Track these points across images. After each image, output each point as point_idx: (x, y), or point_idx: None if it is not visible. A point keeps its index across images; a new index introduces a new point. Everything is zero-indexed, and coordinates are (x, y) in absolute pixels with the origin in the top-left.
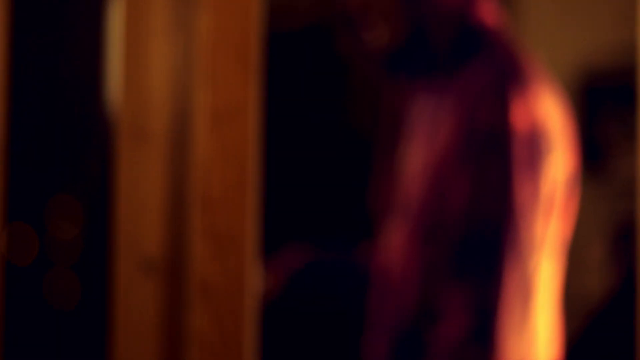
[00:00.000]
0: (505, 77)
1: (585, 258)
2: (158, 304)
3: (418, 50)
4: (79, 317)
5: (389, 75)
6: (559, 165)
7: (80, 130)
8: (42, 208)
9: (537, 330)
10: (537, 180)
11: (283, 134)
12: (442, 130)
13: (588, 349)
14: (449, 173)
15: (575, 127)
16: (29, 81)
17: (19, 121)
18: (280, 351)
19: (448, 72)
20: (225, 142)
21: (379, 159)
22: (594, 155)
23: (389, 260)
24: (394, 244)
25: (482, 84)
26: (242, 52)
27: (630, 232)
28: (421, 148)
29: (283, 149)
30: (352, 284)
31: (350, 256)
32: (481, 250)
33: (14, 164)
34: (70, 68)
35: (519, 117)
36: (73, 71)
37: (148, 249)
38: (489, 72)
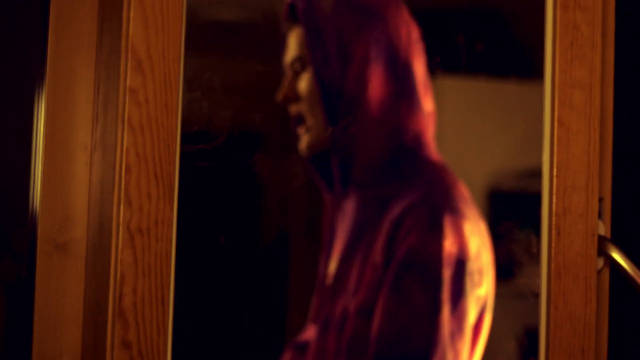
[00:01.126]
0: (435, 200)
1: None
2: None
3: (349, 160)
4: None
5: (321, 185)
6: (484, 292)
7: None
8: None
9: None
10: (464, 309)
11: (197, 250)
12: (371, 248)
13: None
14: (374, 292)
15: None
16: None
17: None
18: None
19: (378, 186)
20: (138, 256)
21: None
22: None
23: None
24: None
25: (412, 205)
26: (160, 171)
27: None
28: (349, 261)
29: (198, 265)
30: None
31: None
32: None
33: None
34: None
35: (448, 243)
36: None
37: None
38: (419, 194)
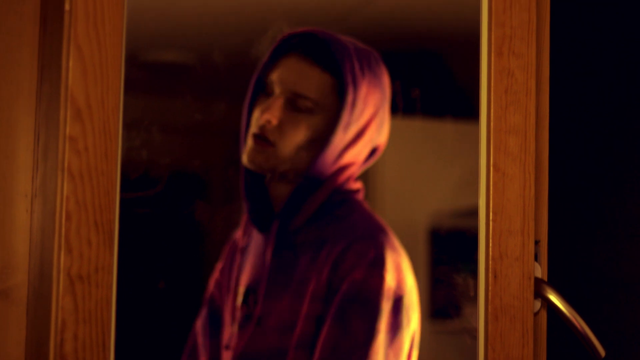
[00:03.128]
0: (376, 237)
1: None
2: None
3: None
4: None
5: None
6: (414, 328)
7: None
8: None
9: None
10: (401, 342)
11: (138, 296)
12: (306, 285)
13: None
14: (313, 325)
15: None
16: None
17: None
18: None
19: (312, 229)
20: (79, 302)
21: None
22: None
23: None
24: None
25: (353, 241)
26: (99, 218)
27: None
28: (273, 301)
29: (139, 310)
30: None
31: None
32: None
33: None
34: None
35: (389, 278)
36: None
37: None
38: (358, 231)
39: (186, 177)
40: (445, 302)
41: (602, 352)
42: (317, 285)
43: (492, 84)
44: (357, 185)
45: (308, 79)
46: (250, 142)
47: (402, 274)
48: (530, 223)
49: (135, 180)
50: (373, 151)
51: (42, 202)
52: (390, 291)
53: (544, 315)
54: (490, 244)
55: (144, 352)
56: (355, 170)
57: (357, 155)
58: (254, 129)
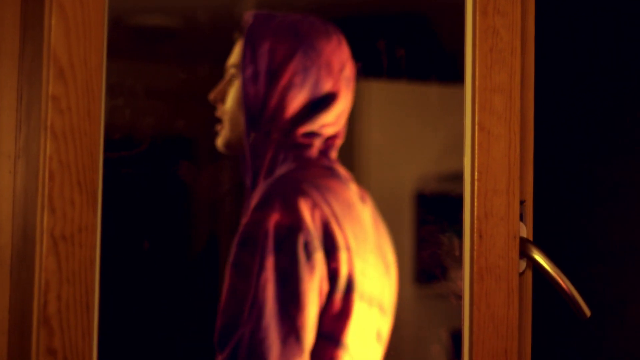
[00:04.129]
0: (273, 184)
1: None
2: None
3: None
4: None
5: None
6: (345, 271)
7: None
8: None
9: None
10: (297, 279)
11: (122, 256)
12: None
13: None
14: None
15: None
16: None
17: None
18: None
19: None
20: (62, 263)
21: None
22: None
23: None
24: None
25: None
26: (83, 178)
27: None
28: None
29: (123, 271)
30: None
31: None
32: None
33: None
34: None
35: (276, 217)
36: None
37: None
38: (271, 183)
39: (170, 137)
40: (431, 263)
41: (588, 312)
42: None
43: (477, 43)
44: (307, 140)
45: (234, 51)
46: (217, 129)
47: (298, 213)
48: (515, 182)
49: (118, 140)
50: (322, 100)
51: (25, 163)
52: (281, 229)
53: (529, 275)
54: (476, 204)
55: (128, 312)
56: (298, 120)
57: (282, 101)
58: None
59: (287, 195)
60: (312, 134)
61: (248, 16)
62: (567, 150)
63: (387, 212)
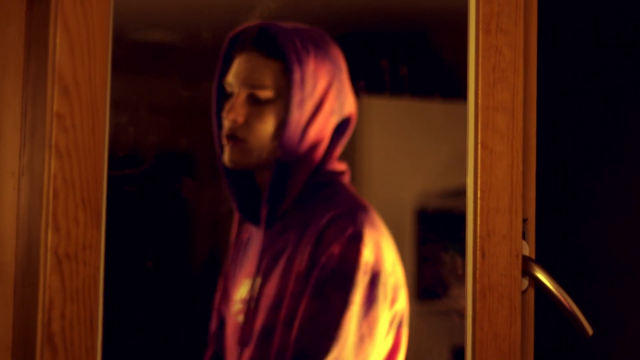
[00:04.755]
0: (356, 213)
1: None
2: None
3: (276, 190)
4: None
5: (234, 202)
6: (401, 307)
7: None
8: None
9: None
10: (375, 316)
11: (125, 274)
12: (292, 264)
13: None
14: (299, 301)
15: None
16: None
17: None
18: None
19: (299, 212)
20: (66, 281)
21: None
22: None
23: None
24: None
25: (334, 218)
26: (87, 196)
27: None
28: (266, 286)
29: (126, 288)
30: None
31: None
32: None
33: None
34: None
35: (366, 252)
36: None
37: None
38: (340, 209)
39: (173, 154)
40: (433, 281)
41: (590, 331)
42: (301, 263)
43: (480, 61)
44: (341, 166)
45: (260, 70)
46: (225, 143)
47: (380, 252)
48: (518, 201)
49: (122, 158)
50: (343, 124)
51: (29, 180)
52: (368, 266)
53: (531, 293)
54: (478, 222)
55: (132, 330)
56: (328, 147)
57: (322, 130)
58: (225, 131)
59: (372, 230)
60: (340, 159)
61: (285, 38)
62: (570, 168)
63: (390, 229)
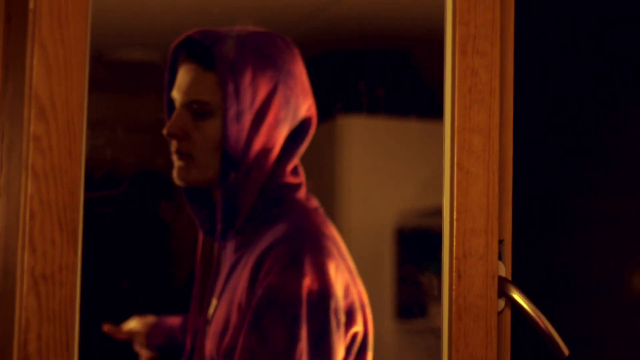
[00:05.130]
0: (296, 238)
1: None
2: None
3: (234, 205)
4: None
5: (196, 221)
6: (361, 329)
7: None
8: None
9: None
10: (329, 348)
11: (101, 295)
12: (237, 290)
13: None
14: (240, 330)
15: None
16: None
17: None
18: None
19: (251, 230)
20: (43, 302)
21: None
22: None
23: None
24: None
25: (273, 244)
26: (64, 217)
27: None
28: (220, 306)
29: (102, 310)
30: None
31: None
32: None
33: None
34: None
35: (308, 281)
36: None
37: None
38: (281, 233)
39: (150, 175)
40: (410, 301)
41: (566, 351)
42: (242, 290)
43: (456, 83)
44: (294, 179)
45: (198, 83)
46: (174, 159)
47: (327, 277)
48: (494, 222)
49: (99, 179)
50: (299, 129)
51: (5, 202)
52: (313, 295)
53: (508, 314)
54: (454, 243)
55: (108, 352)
56: (279, 159)
57: (268, 141)
58: (172, 146)
59: (315, 255)
60: (297, 171)
61: (218, 50)
62: (547, 188)
63: (367, 249)
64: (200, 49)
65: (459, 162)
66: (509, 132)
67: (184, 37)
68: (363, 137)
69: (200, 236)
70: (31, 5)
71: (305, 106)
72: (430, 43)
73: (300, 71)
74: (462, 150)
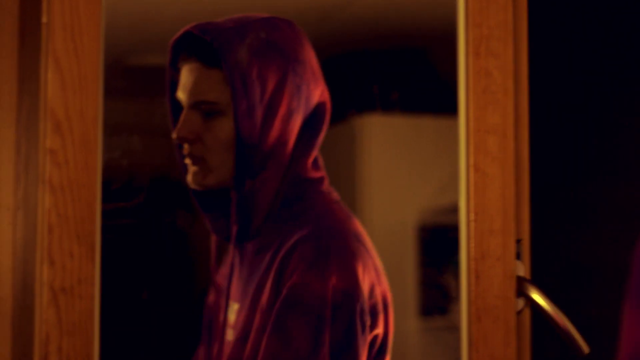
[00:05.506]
0: (321, 236)
1: None
2: None
3: (250, 206)
4: None
5: (209, 223)
6: (381, 331)
7: None
8: None
9: None
10: (355, 352)
11: (121, 306)
12: (261, 292)
13: None
14: (262, 333)
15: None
16: None
17: None
18: None
19: (273, 230)
20: (62, 315)
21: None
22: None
23: None
24: None
25: (297, 243)
26: (81, 230)
27: None
28: (245, 307)
29: (123, 321)
30: None
31: None
32: None
33: None
34: None
35: (334, 281)
36: None
37: None
38: (306, 230)
39: (167, 185)
40: (434, 300)
41: (586, 349)
42: (267, 294)
43: (470, 85)
44: (316, 173)
45: (203, 83)
46: (187, 163)
47: (354, 276)
48: (511, 222)
49: (116, 190)
50: (314, 117)
51: (24, 215)
52: (338, 296)
53: (527, 313)
54: (472, 244)
55: None
56: (295, 152)
57: (283, 134)
58: (184, 150)
59: (341, 254)
60: (317, 164)
61: (220, 43)
62: (567, 187)
63: (391, 247)
64: (201, 45)
65: (475, 164)
66: (524, 132)
67: (181, 32)
68: (382, 135)
69: (214, 241)
70: (44, 19)
71: (318, 92)
72: (447, 42)
73: (309, 56)
74: (478, 151)
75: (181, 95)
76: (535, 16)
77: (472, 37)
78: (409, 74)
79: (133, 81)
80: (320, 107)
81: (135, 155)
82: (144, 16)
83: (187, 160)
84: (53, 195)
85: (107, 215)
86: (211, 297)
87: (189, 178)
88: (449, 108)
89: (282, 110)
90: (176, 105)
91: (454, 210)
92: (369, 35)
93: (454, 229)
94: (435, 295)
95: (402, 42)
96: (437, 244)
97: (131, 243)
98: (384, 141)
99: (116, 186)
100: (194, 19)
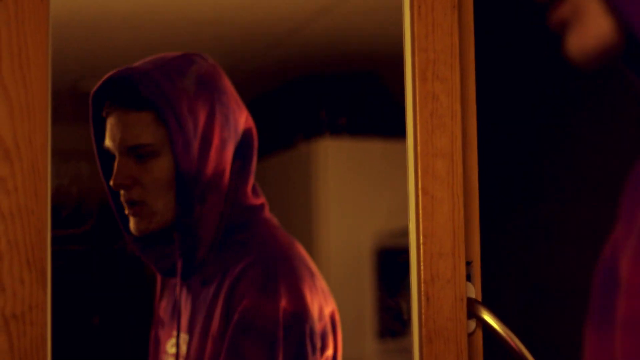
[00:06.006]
0: (269, 261)
1: None
2: None
3: (193, 240)
4: None
5: (152, 264)
6: (331, 353)
7: None
8: None
9: None
10: None
11: (73, 332)
12: (211, 320)
13: None
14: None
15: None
16: None
17: None
18: None
19: (218, 259)
20: (14, 342)
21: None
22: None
23: None
24: None
25: (245, 268)
26: (32, 256)
27: None
28: (195, 337)
29: (75, 347)
30: None
31: None
32: None
33: None
34: None
35: (284, 304)
36: None
37: None
38: (252, 256)
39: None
40: (388, 323)
41: None
42: (217, 321)
43: (418, 108)
44: (258, 200)
45: (134, 127)
46: (128, 212)
47: (302, 299)
48: (460, 245)
49: (66, 217)
50: (243, 143)
51: None
52: (289, 318)
53: (479, 335)
54: (422, 267)
55: None
56: (232, 180)
57: (219, 164)
58: (122, 197)
59: (289, 278)
60: (256, 191)
61: (144, 87)
62: (518, 209)
63: (348, 269)
64: (125, 92)
65: (423, 187)
66: (473, 155)
67: (101, 82)
68: (333, 160)
69: (159, 277)
70: None
71: (243, 119)
72: (397, 66)
73: (228, 85)
74: (426, 175)
75: (110, 143)
76: (482, 40)
77: (419, 61)
78: (360, 98)
79: (83, 107)
80: (247, 133)
81: (84, 182)
82: (92, 42)
83: (127, 210)
84: (3, 223)
85: (57, 242)
86: (154, 331)
87: (133, 227)
88: (400, 131)
89: (215, 141)
90: (104, 155)
91: (406, 233)
92: (320, 60)
93: (405, 252)
94: (389, 318)
95: (354, 65)
96: (390, 267)
97: (81, 269)
98: (335, 165)
99: (65, 213)
100: (143, 44)
